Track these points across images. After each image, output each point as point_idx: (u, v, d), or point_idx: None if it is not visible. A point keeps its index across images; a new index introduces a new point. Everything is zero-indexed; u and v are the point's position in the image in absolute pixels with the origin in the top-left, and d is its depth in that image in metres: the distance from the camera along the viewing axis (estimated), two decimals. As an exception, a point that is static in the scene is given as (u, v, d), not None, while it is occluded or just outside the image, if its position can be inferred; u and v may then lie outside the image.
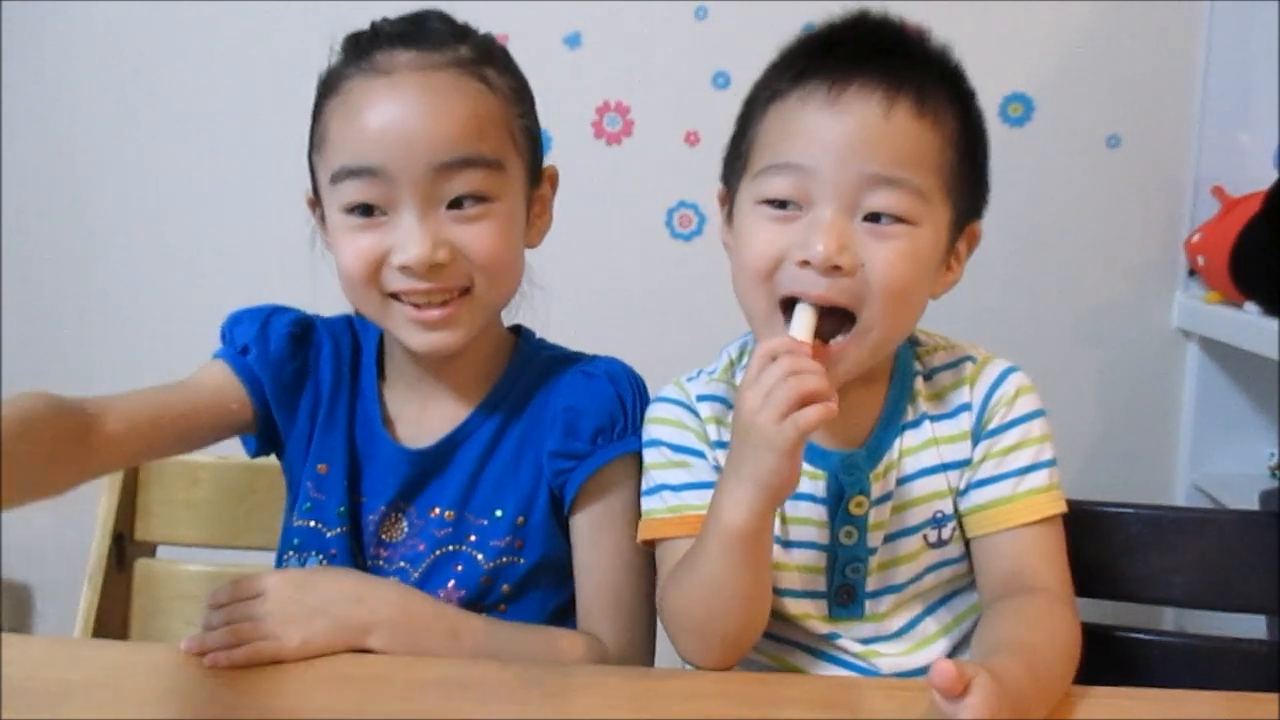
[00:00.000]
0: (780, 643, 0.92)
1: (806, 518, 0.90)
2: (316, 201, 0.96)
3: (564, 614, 0.96)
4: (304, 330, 1.00)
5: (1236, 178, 1.77)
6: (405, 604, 0.88)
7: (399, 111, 0.86)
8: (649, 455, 0.93)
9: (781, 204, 0.83)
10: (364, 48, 0.90)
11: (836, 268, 0.79)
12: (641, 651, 0.94)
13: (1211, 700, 0.81)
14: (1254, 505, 1.39)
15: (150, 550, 1.18)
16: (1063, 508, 0.89)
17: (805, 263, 0.80)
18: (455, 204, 0.88)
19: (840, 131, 0.80)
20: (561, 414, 0.94)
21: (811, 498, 0.90)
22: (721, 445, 0.91)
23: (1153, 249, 1.90)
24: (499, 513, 0.94)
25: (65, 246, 2.09)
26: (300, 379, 0.99)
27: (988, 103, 1.84)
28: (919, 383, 0.92)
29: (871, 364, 0.86)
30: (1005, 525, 0.88)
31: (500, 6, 1.88)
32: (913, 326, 0.90)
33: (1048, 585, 0.85)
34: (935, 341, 0.95)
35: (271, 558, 1.02)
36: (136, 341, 2.10)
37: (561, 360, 1.00)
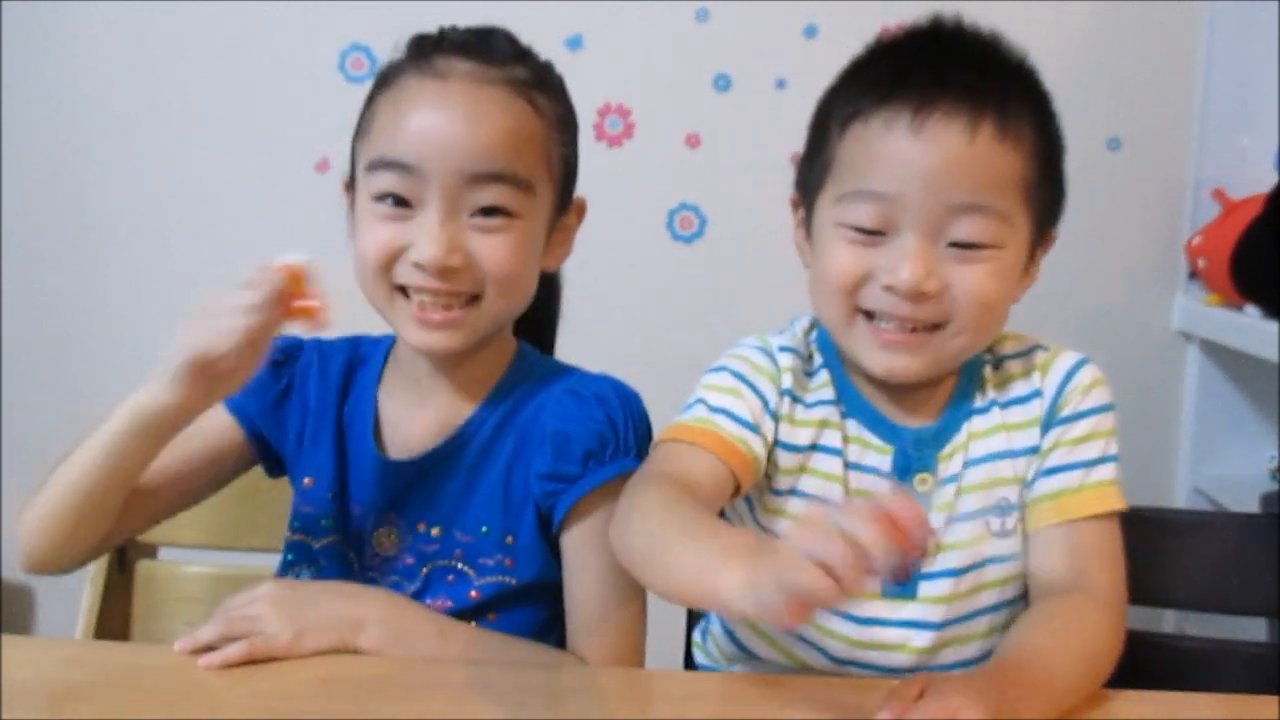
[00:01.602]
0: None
1: (868, 490, 0.89)
2: (351, 187, 0.97)
3: (548, 629, 0.96)
4: (288, 353, 1.02)
5: (1237, 180, 1.78)
6: (394, 604, 0.90)
7: (443, 115, 0.88)
8: (710, 376, 0.93)
9: (869, 233, 0.84)
10: (426, 50, 0.92)
11: (923, 294, 0.82)
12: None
13: (1212, 702, 0.82)
14: (1255, 508, 1.39)
15: (152, 552, 1.18)
16: (1124, 505, 0.89)
17: (890, 287, 0.83)
18: (480, 214, 0.89)
19: (925, 161, 0.81)
20: (551, 436, 0.94)
21: (877, 471, 0.90)
22: (789, 394, 0.91)
23: (1153, 251, 1.92)
24: (485, 529, 0.94)
25: (66, 245, 2.09)
26: (284, 398, 1.01)
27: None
28: (988, 370, 0.93)
29: (956, 364, 0.89)
30: (1068, 517, 0.88)
31: (501, 8, 1.87)
32: (998, 332, 0.91)
33: (1094, 586, 0.85)
34: (1003, 334, 0.95)
35: (272, 559, 1.03)
36: (138, 342, 2.10)
37: (554, 376, 1.00)
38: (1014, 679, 0.75)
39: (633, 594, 0.93)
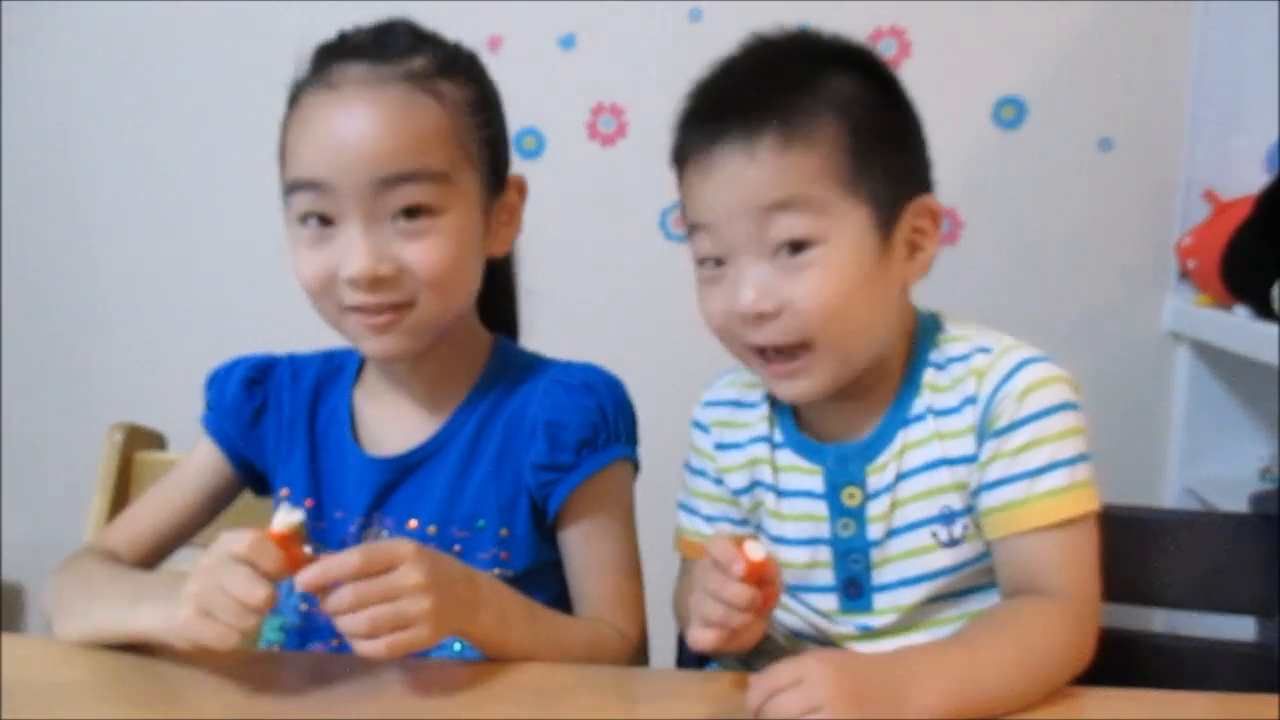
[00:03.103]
0: (799, 637, 0.94)
1: (805, 513, 0.91)
2: None
3: None
4: (262, 372, 1.04)
5: (1227, 181, 1.79)
6: (493, 583, 0.87)
7: (341, 126, 0.87)
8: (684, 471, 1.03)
9: (714, 261, 0.86)
10: (324, 61, 0.92)
11: (761, 315, 0.83)
12: (645, 642, 0.98)
13: (1205, 701, 0.82)
14: (1245, 508, 1.40)
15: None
16: (1088, 507, 0.84)
17: (738, 315, 0.85)
18: (402, 217, 0.88)
19: (717, 188, 0.84)
20: (544, 428, 0.95)
21: (809, 493, 0.91)
22: (720, 447, 0.98)
23: (1144, 252, 1.92)
24: (481, 524, 0.95)
25: (64, 244, 2.11)
26: (259, 415, 1.03)
27: (981, 105, 1.90)
28: (930, 374, 0.90)
29: (853, 372, 0.87)
30: (1018, 529, 0.85)
31: (495, 8, 1.90)
32: (880, 327, 0.88)
33: (1056, 588, 0.83)
34: (960, 332, 0.92)
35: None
36: (135, 338, 2.12)
37: (536, 368, 1.01)
38: (917, 669, 0.74)
39: (636, 570, 0.98)
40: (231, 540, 0.76)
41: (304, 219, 0.89)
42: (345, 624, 0.74)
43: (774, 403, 0.96)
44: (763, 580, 0.76)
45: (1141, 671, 1.01)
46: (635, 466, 0.99)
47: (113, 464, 1.18)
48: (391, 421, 1.00)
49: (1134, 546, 1.04)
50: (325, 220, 0.89)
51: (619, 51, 1.92)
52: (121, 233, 2.08)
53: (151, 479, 1.15)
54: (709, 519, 0.98)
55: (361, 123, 0.87)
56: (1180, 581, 1.03)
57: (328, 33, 1.93)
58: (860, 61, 0.89)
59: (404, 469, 0.97)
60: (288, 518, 0.76)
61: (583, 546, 0.96)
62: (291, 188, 0.89)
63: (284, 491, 1.01)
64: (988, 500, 0.86)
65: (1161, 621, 1.57)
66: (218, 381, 1.05)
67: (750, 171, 0.83)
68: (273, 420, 1.03)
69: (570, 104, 1.93)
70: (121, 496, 1.17)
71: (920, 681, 0.73)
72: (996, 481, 0.85)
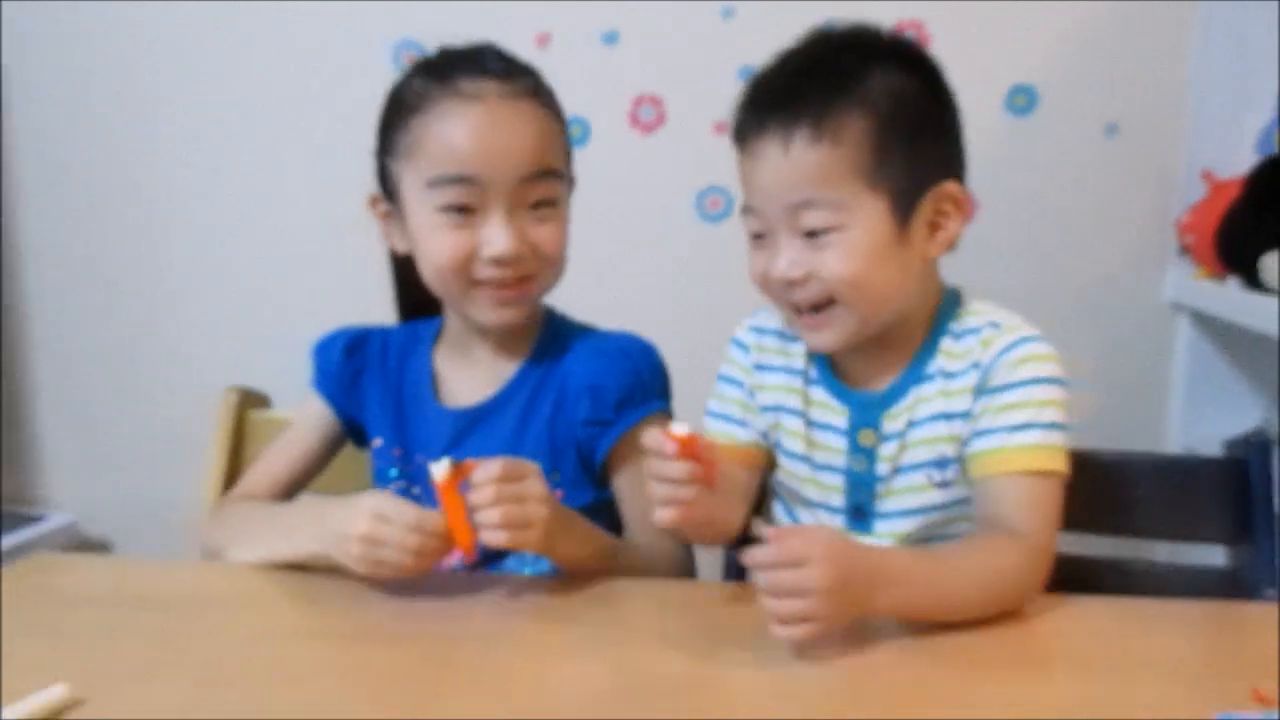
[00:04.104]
0: None
1: (828, 445, 1.05)
2: (383, 200, 1.13)
3: None
4: (358, 341, 1.21)
5: (1226, 163, 1.86)
6: (572, 511, 1.01)
7: (491, 131, 1.03)
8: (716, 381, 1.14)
9: (759, 235, 0.99)
10: (444, 73, 1.06)
11: (791, 282, 0.96)
12: (690, 558, 1.14)
13: (1180, 608, 0.95)
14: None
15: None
16: (1055, 466, 0.94)
17: (773, 278, 0.97)
18: (533, 207, 1.06)
19: (760, 176, 0.96)
20: (589, 389, 1.10)
21: (833, 428, 1.04)
22: (757, 368, 1.10)
23: (1147, 229, 1.99)
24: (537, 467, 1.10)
25: (131, 229, 2.21)
26: (358, 376, 1.20)
27: (995, 94, 2.00)
28: (946, 342, 1.01)
29: (873, 330, 0.99)
30: (995, 471, 0.95)
31: (544, 7, 2.02)
32: (898, 295, 0.98)
33: (1020, 528, 0.92)
34: (979, 309, 1.03)
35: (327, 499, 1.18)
36: (199, 320, 2.23)
37: (580, 336, 1.16)
38: (892, 571, 0.83)
39: None
40: (404, 509, 0.91)
41: (445, 209, 1.04)
42: (481, 516, 0.89)
43: None
44: (695, 455, 0.87)
45: (1124, 593, 1.14)
46: (669, 418, 1.13)
47: (228, 422, 1.32)
48: (465, 380, 1.16)
49: (1125, 487, 1.17)
50: (466, 209, 1.04)
51: (658, 47, 2.01)
52: (186, 216, 2.19)
53: (261, 435, 1.32)
54: (741, 423, 1.10)
55: (510, 129, 1.04)
56: (1165, 516, 1.18)
57: (384, 30, 2.05)
58: (907, 56, 0.98)
59: (474, 419, 1.13)
60: (440, 468, 0.91)
61: (628, 487, 1.11)
62: (437, 182, 1.04)
63: (377, 441, 1.17)
64: (973, 446, 0.97)
65: (1147, 553, 1.68)
66: (323, 350, 1.21)
67: (784, 167, 0.94)
68: (367, 383, 1.19)
69: (612, 95, 2.03)
70: (237, 450, 1.32)
71: (892, 582, 0.83)
72: (983, 431, 0.97)
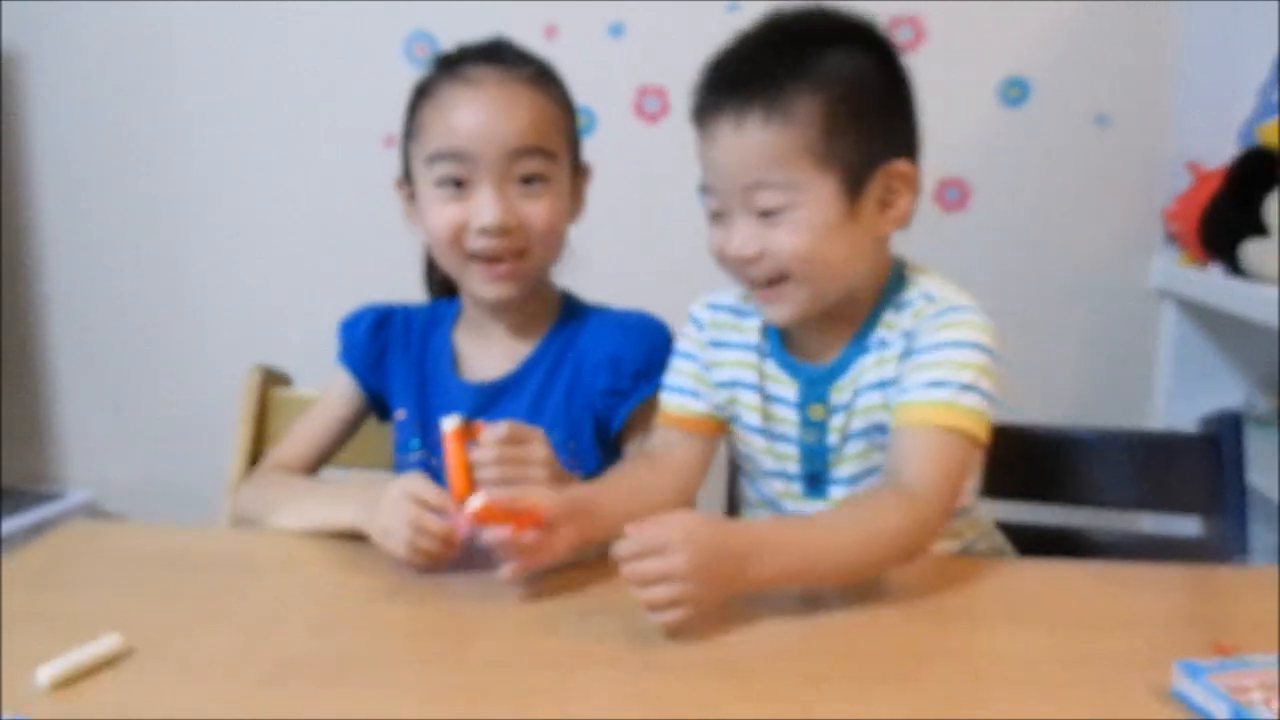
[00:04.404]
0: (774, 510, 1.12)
1: (783, 417, 1.07)
2: (404, 182, 1.20)
3: None
4: (383, 319, 1.27)
5: (1211, 153, 1.91)
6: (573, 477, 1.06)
7: (483, 109, 1.11)
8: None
9: (717, 214, 1.01)
10: (454, 64, 1.15)
11: (748, 260, 0.98)
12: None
13: (1153, 571, 1.00)
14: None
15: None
16: (965, 425, 0.94)
17: (727, 257, 1.00)
18: (522, 182, 1.12)
19: (715, 157, 0.98)
20: (607, 361, 1.17)
21: (786, 401, 1.07)
22: (713, 344, 1.11)
23: (1134, 217, 2.04)
24: (554, 437, 1.14)
25: (156, 212, 2.27)
26: (383, 352, 1.26)
27: (988, 86, 2.06)
28: (888, 314, 1.03)
29: (826, 304, 1.01)
30: (901, 423, 0.97)
31: (553, 5, 2.05)
32: (848, 270, 0.99)
33: (911, 483, 0.93)
34: (920, 282, 1.04)
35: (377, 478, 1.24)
36: (219, 303, 2.29)
37: (597, 314, 1.24)
38: (760, 543, 0.85)
39: None
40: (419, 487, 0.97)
41: (441, 182, 1.12)
42: (482, 472, 0.96)
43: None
44: (492, 519, 0.89)
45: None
46: None
47: (252, 400, 1.38)
48: (484, 356, 1.23)
49: (1108, 463, 1.24)
50: (459, 183, 1.11)
51: (663, 39, 2.05)
52: (207, 199, 2.24)
53: (283, 412, 1.38)
54: (694, 394, 1.11)
55: (498, 106, 1.10)
56: (1145, 490, 1.24)
57: (397, 22, 2.10)
58: (861, 37, 0.99)
59: (494, 393, 1.20)
60: (450, 421, 0.98)
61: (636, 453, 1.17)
62: (434, 158, 1.12)
63: (400, 413, 1.24)
64: (892, 399, 1.00)
65: (1133, 527, 1.74)
66: (349, 327, 1.27)
67: (738, 148, 0.96)
68: (390, 359, 1.26)
69: (618, 86, 2.08)
70: (261, 427, 1.38)
71: (760, 554, 0.84)
72: (902, 387, 0.99)
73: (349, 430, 1.28)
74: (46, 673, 0.75)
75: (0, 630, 0.84)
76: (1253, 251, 1.67)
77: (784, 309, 1.01)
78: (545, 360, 1.20)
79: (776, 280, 0.99)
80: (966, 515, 1.11)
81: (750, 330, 1.10)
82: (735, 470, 1.21)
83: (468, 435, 0.98)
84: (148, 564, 1.00)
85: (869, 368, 1.02)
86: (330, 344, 1.29)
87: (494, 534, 0.88)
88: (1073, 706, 0.72)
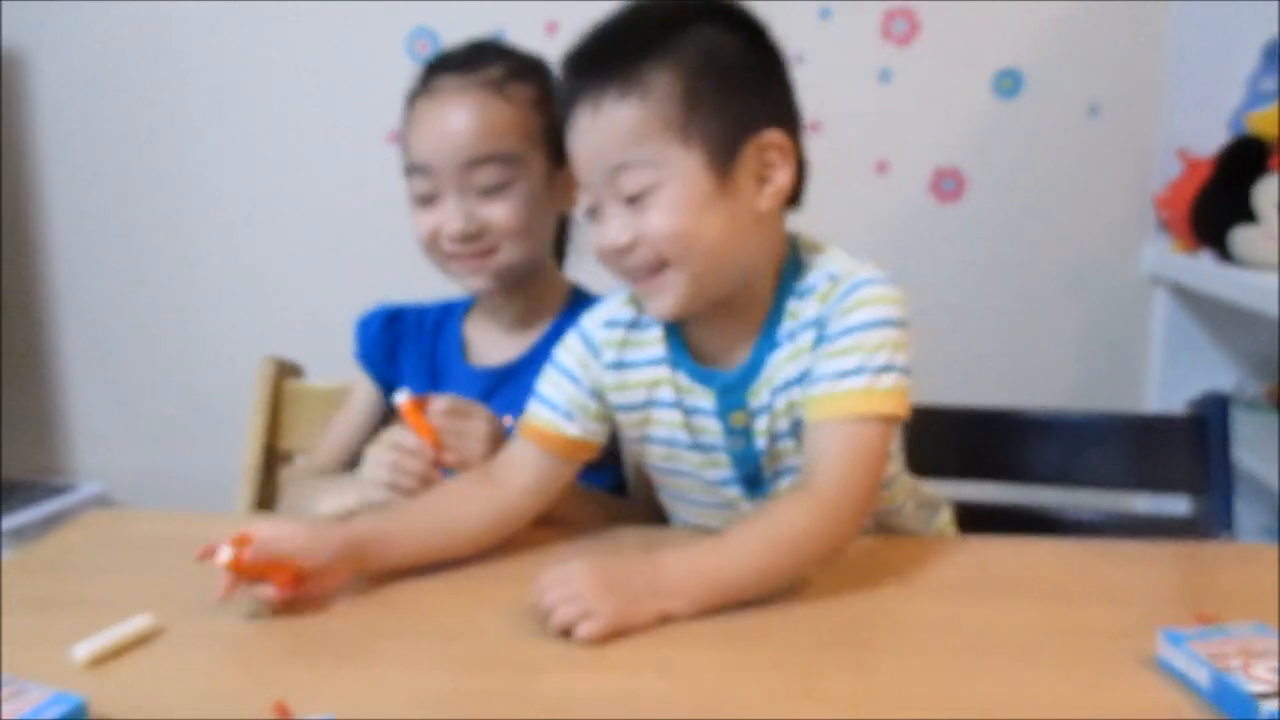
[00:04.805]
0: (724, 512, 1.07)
1: (706, 427, 1.01)
2: None
3: (619, 491, 1.21)
4: (395, 317, 1.32)
5: (1201, 142, 1.94)
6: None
7: (439, 122, 1.14)
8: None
9: (590, 211, 0.97)
10: (428, 74, 1.18)
11: (620, 250, 0.94)
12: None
13: (1139, 547, 1.03)
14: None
15: (290, 459, 1.43)
16: (882, 409, 0.91)
17: (602, 249, 0.96)
18: (483, 188, 1.15)
19: (579, 146, 0.95)
20: None
21: (706, 410, 1.01)
22: (613, 366, 1.03)
23: (1127, 206, 2.07)
24: None
25: (159, 208, 2.30)
26: (395, 345, 1.30)
27: (982, 78, 2.09)
28: (792, 303, 0.97)
29: (713, 291, 0.95)
30: (813, 417, 0.93)
31: (553, 2, 2.04)
32: (729, 249, 0.93)
33: (820, 481, 0.90)
34: (817, 262, 0.98)
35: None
36: (225, 300, 2.32)
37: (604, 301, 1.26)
38: (670, 574, 0.85)
39: None
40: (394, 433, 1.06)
41: (415, 193, 1.16)
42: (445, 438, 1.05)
43: (667, 325, 1.02)
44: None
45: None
46: None
47: (266, 391, 1.41)
48: (492, 343, 1.27)
49: (1100, 444, 1.27)
50: (430, 193, 1.15)
51: None
52: (212, 197, 2.27)
53: (295, 403, 1.42)
54: (569, 416, 1.04)
55: (452, 119, 1.13)
56: (1134, 469, 1.27)
57: (399, 19, 2.12)
58: (721, 15, 0.95)
59: (501, 377, 1.23)
60: (401, 395, 1.06)
61: None
62: (407, 171, 1.17)
63: None
64: (806, 394, 0.95)
65: (1126, 506, 1.76)
66: (364, 325, 1.32)
67: (596, 131, 0.92)
68: (403, 350, 1.30)
69: None
70: (275, 417, 1.41)
71: (671, 587, 0.84)
72: (813, 378, 0.94)
73: (375, 429, 1.30)
74: (83, 650, 0.78)
75: (33, 614, 0.87)
76: (1242, 238, 1.70)
77: (667, 299, 0.95)
78: (551, 345, 1.23)
79: (656, 269, 0.94)
80: (890, 487, 1.08)
81: (652, 342, 1.03)
82: (652, 493, 1.15)
83: (421, 406, 1.05)
84: (172, 548, 1.02)
85: (781, 365, 0.97)
86: (336, 336, 1.33)
87: (254, 591, 0.88)
88: (1063, 673, 0.75)
